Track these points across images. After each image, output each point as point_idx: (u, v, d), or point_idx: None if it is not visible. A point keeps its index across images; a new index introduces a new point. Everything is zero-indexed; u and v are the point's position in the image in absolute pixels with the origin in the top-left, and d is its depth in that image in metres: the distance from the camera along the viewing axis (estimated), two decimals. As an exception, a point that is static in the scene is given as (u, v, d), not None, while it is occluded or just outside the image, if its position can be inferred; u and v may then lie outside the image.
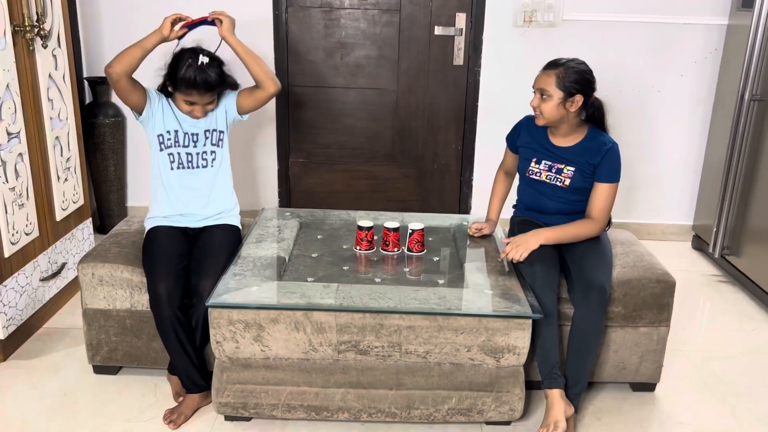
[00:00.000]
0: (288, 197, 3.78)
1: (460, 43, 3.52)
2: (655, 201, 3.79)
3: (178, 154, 2.29)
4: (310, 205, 3.74)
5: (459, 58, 3.54)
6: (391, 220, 2.44)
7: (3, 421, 2.09)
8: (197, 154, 2.31)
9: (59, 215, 2.72)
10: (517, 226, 2.41)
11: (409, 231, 2.34)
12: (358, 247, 2.35)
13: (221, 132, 2.33)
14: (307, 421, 2.10)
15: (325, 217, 2.69)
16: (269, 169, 3.71)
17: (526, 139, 2.38)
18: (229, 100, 2.32)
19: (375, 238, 2.37)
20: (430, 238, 2.48)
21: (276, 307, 1.94)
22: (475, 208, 3.76)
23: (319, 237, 2.51)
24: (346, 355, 1.99)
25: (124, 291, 2.18)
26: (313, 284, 2.08)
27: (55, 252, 2.70)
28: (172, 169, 2.30)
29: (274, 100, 3.57)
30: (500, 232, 2.56)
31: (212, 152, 2.33)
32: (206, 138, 2.31)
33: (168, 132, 2.27)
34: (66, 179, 2.77)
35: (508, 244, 2.17)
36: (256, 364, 2.01)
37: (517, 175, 2.46)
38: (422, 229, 2.35)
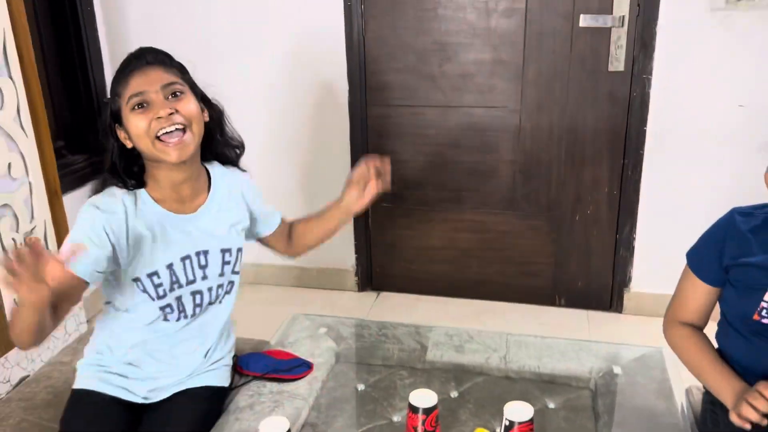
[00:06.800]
0: (368, 253, 2.79)
1: (620, 38, 2.30)
2: None
3: (178, 299, 1.34)
4: (396, 263, 2.76)
5: (618, 61, 2.33)
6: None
7: None
8: (209, 290, 1.38)
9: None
10: (709, 412, 1.29)
11: (505, 423, 1.25)
12: (410, 442, 1.30)
13: (239, 251, 1.42)
14: None
15: (379, 340, 1.65)
16: (343, 215, 2.73)
17: (745, 249, 1.21)
18: (252, 200, 1.48)
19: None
20: (550, 404, 1.38)
21: None
22: (638, 280, 2.57)
23: (359, 388, 1.50)
24: None
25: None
26: None
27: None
28: (167, 320, 1.36)
29: (347, 124, 2.60)
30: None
31: (230, 283, 1.43)
32: (223, 261, 1.38)
33: (156, 273, 1.30)
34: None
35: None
36: None
37: (718, 321, 1.31)
38: (531, 422, 1.25)
